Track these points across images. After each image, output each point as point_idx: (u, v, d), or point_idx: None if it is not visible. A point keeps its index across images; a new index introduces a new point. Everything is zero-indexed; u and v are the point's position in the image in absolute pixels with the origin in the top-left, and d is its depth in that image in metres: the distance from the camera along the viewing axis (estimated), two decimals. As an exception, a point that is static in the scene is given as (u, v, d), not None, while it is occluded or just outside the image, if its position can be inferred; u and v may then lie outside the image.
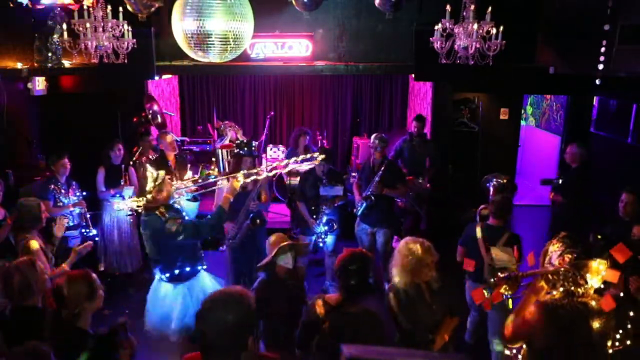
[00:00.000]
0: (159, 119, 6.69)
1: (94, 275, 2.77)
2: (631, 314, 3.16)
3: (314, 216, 5.48)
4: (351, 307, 2.78)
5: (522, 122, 8.94)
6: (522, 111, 8.83)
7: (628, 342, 2.87)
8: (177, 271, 3.75)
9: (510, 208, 4.28)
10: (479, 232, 4.13)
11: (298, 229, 5.84)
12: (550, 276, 2.61)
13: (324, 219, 5.44)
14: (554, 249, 2.71)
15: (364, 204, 5.43)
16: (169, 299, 3.76)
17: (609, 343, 2.60)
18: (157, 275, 3.85)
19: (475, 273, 3.89)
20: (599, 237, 3.75)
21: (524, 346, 2.74)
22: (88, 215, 5.35)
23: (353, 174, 7.96)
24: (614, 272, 2.51)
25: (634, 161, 6.53)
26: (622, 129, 6.92)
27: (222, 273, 5.28)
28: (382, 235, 5.51)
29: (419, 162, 6.73)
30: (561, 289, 2.57)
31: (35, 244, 3.79)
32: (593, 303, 2.53)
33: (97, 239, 5.49)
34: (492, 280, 2.80)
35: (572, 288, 2.54)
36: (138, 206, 3.96)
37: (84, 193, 5.42)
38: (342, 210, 5.73)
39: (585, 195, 5.56)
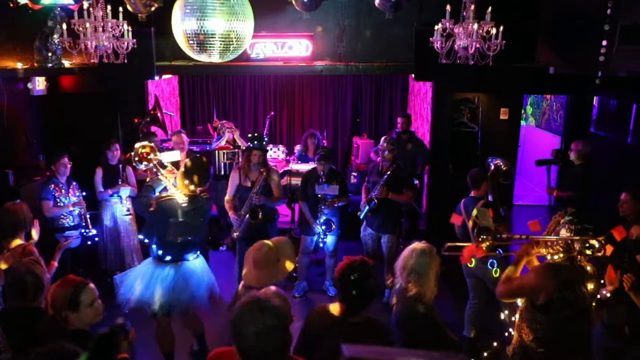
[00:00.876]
0: (160, 120, 6.71)
1: (91, 286, 2.65)
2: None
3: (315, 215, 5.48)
4: (356, 317, 2.65)
5: (522, 122, 8.94)
6: (522, 111, 8.83)
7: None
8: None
9: (484, 179, 4.75)
10: (462, 205, 4.69)
11: (298, 229, 5.84)
12: (565, 243, 2.98)
13: (322, 218, 5.43)
14: (565, 223, 3.09)
15: (367, 207, 5.40)
16: (198, 275, 4.08)
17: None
18: (192, 256, 4.08)
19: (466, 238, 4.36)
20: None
21: (519, 303, 3.11)
22: (88, 215, 5.36)
23: (354, 174, 7.97)
24: (608, 246, 2.94)
25: (634, 161, 6.53)
26: (622, 129, 6.91)
27: (222, 272, 5.30)
28: (387, 241, 5.47)
29: (407, 160, 6.69)
30: (561, 255, 2.98)
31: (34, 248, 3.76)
32: (589, 268, 2.96)
33: (97, 239, 5.49)
34: (480, 237, 3.28)
35: (575, 254, 2.95)
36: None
37: (84, 193, 5.43)
38: (344, 210, 5.72)
39: (586, 193, 5.64)
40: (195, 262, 4.13)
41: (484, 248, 3.25)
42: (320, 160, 5.38)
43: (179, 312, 4.09)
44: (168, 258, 4.00)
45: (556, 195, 5.81)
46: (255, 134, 5.19)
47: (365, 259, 2.74)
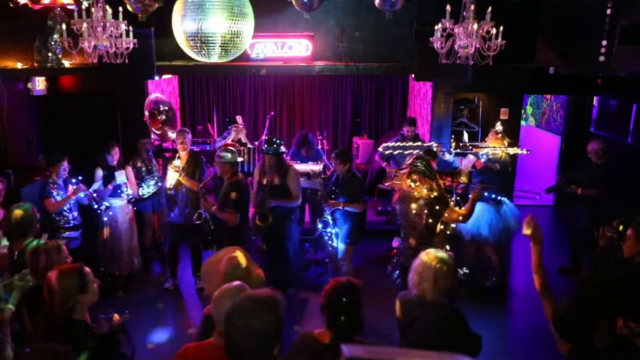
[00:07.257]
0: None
1: (86, 268, 2.81)
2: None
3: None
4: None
5: (522, 122, 8.93)
6: (522, 111, 8.82)
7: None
8: None
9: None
10: None
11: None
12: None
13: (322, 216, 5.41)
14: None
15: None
16: None
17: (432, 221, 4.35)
18: None
19: None
20: (621, 227, 3.84)
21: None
22: (92, 191, 5.42)
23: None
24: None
25: (634, 161, 6.53)
26: (622, 129, 6.92)
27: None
28: None
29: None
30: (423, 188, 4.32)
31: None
32: (425, 192, 4.34)
33: (111, 213, 5.62)
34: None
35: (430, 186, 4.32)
36: None
37: (80, 177, 5.42)
38: (357, 218, 5.61)
39: (608, 190, 5.68)
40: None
41: None
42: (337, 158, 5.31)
43: None
44: None
45: (580, 192, 5.77)
46: (271, 138, 5.22)
47: (352, 279, 2.56)
